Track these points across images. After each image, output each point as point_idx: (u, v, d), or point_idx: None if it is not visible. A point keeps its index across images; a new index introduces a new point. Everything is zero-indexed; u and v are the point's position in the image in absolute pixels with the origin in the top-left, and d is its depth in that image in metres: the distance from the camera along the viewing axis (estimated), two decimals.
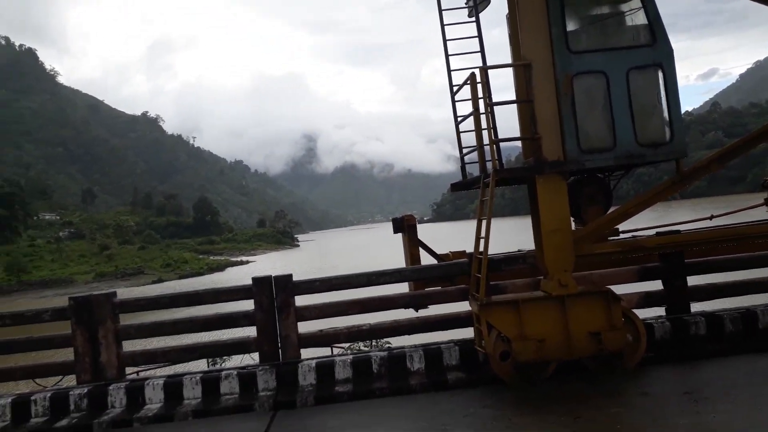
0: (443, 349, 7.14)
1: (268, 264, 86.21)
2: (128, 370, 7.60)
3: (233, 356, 9.31)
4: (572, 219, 6.95)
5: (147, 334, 7.52)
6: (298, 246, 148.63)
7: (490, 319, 6.44)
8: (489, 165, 6.57)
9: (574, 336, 6.31)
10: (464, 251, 7.94)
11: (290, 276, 7.43)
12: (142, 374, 7.85)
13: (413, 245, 7.92)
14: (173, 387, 6.90)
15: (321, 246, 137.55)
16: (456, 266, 7.62)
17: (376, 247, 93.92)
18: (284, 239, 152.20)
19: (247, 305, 7.46)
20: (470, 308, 7.12)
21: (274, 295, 7.33)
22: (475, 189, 7.12)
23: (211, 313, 7.71)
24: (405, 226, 8.00)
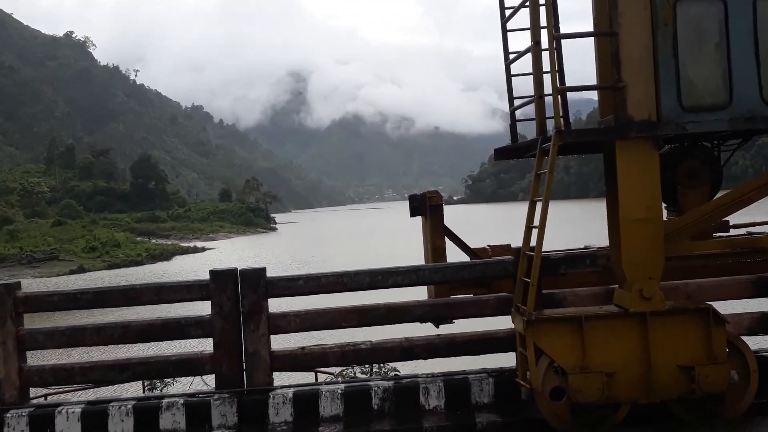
0: (472, 381, 7.23)
1: (232, 253, 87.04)
2: (34, 391, 7.84)
3: (180, 378, 9.55)
4: (664, 205, 6.96)
5: (61, 344, 7.62)
6: (276, 230, 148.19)
7: (540, 342, 6.52)
8: (550, 124, 6.60)
9: (656, 370, 6.38)
10: (508, 245, 8.07)
11: (263, 270, 7.53)
12: (52, 398, 7.97)
13: (437, 234, 8.07)
14: (95, 417, 7.00)
15: (308, 231, 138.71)
16: (496, 266, 7.71)
17: (386, 236, 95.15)
18: (257, 220, 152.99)
19: (202, 308, 7.60)
20: (512, 326, 7.21)
21: (240, 296, 7.44)
22: (529, 158, 7.18)
23: (152, 317, 7.82)
24: (427, 208, 8.13)
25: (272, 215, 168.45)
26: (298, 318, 7.55)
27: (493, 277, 7.78)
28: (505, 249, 8.10)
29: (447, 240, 8.19)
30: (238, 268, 7.47)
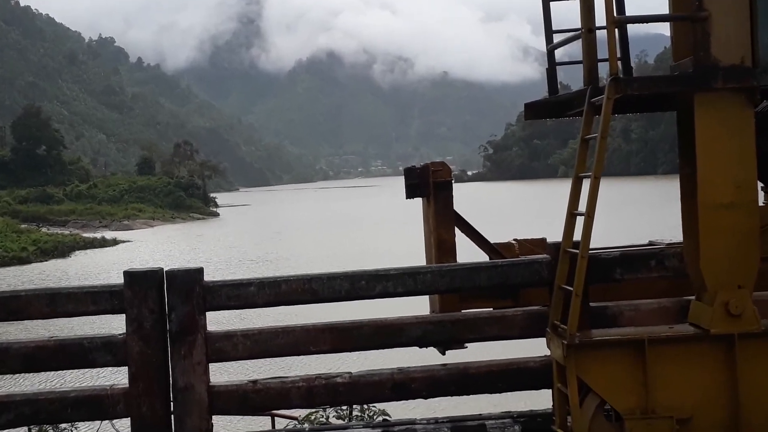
0: (491, 428, 7.30)
1: (156, 247, 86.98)
2: None
3: (80, 424, 9.53)
4: (761, 185, 7.15)
5: None
6: (218, 215, 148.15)
7: (587, 375, 6.58)
8: (603, 69, 6.68)
9: (747, 413, 6.43)
10: (543, 240, 8.28)
11: (199, 272, 7.62)
12: None
13: (444, 223, 8.22)
14: None
15: (263, 218, 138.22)
16: (525, 268, 7.76)
17: (372, 227, 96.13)
18: (190, 201, 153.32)
19: (114, 324, 7.85)
20: (547, 352, 7.31)
21: (167, 309, 7.53)
22: (573, 117, 7.21)
23: (42, 337, 7.79)
24: (430, 186, 8.27)
25: (212, 195, 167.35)
26: (249, 340, 7.60)
27: (521, 283, 7.85)
28: (538, 245, 8.28)
29: (457, 231, 8.30)
30: (164, 269, 7.51)
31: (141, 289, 7.54)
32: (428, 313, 8.31)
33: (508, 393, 7.66)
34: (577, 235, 6.68)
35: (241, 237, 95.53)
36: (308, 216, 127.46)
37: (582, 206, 6.60)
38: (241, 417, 7.76)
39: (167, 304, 7.53)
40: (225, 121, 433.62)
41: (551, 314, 7.09)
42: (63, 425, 10.42)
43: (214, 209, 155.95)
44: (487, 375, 7.70)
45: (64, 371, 7.75)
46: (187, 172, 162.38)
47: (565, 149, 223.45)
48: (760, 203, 7.00)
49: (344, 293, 7.64)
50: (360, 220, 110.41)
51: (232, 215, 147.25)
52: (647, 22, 6.90)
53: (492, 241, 8.50)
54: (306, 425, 9.55)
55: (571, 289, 6.62)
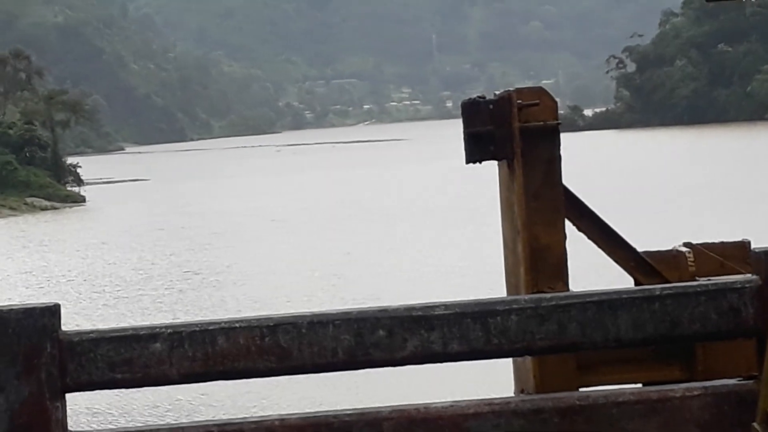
0: None
1: None
2: None
3: None
4: None
5: None
6: (83, 202, 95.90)
7: None
8: None
9: None
10: (743, 244, 6.82)
11: (52, 312, 5.33)
12: None
13: (544, 212, 6.65)
14: None
15: (173, 207, 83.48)
16: (707, 303, 5.45)
17: (395, 220, 57.20)
18: (28, 173, 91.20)
19: None
20: None
21: None
22: None
23: None
24: (514, 137, 6.55)
25: (71, 161, 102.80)
26: None
27: (699, 333, 5.42)
28: (734, 254, 6.79)
29: (569, 227, 6.72)
30: None
31: None
32: (512, 394, 6.59)
33: None
34: None
35: (129, 247, 59.64)
36: (262, 205, 78.74)
37: None
38: None
39: None
40: (95, 10, 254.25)
41: (762, 397, 5.07)
42: None
43: (75, 189, 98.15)
44: None
45: None
46: (21, 115, 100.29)
47: None
48: None
49: (343, 354, 5.14)
50: (367, 212, 68.40)
51: (109, 202, 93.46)
52: None
53: (639, 248, 6.91)
54: None
55: None
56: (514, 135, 6.64)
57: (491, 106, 6.74)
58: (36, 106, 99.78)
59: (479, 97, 6.82)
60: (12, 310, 5.22)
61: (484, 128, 6.71)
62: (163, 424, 6.35)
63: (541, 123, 6.67)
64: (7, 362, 5.05)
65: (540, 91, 6.80)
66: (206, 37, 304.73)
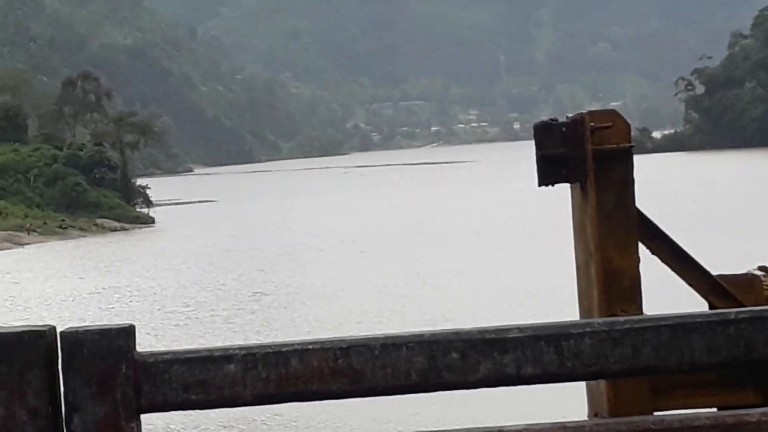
0: None
1: (27, 288, 53.28)
2: None
3: None
4: None
5: None
6: (152, 222, 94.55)
7: None
8: None
9: None
10: None
11: (128, 334, 4.96)
12: None
13: (617, 234, 6.61)
14: None
15: (245, 228, 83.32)
16: None
17: (462, 242, 56.15)
18: (98, 194, 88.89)
19: None
20: None
21: (62, 405, 5.09)
22: None
23: None
24: (588, 160, 6.57)
25: (140, 182, 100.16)
26: None
27: None
28: None
29: (643, 250, 6.71)
30: (57, 328, 4.89)
31: (10, 368, 4.89)
32: (585, 416, 6.49)
33: None
34: None
35: (199, 267, 58.65)
36: (330, 226, 77.93)
37: None
38: None
39: (63, 398, 5.01)
40: (164, 32, 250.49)
41: None
42: None
43: (144, 210, 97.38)
44: None
45: None
46: (90, 137, 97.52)
47: None
48: None
49: (416, 376, 4.62)
50: (435, 233, 66.74)
51: (178, 223, 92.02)
52: None
53: (713, 271, 6.88)
54: None
55: None
56: (587, 157, 6.63)
57: (564, 129, 6.75)
58: (105, 128, 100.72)
59: (551, 119, 6.83)
60: (88, 331, 5.06)
61: (556, 151, 6.71)
62: None
63: (615, 146, 6.70)
64: (83, 383, 5.00)
65: (613, 114, 6.81)
66: (274, 58, 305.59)
